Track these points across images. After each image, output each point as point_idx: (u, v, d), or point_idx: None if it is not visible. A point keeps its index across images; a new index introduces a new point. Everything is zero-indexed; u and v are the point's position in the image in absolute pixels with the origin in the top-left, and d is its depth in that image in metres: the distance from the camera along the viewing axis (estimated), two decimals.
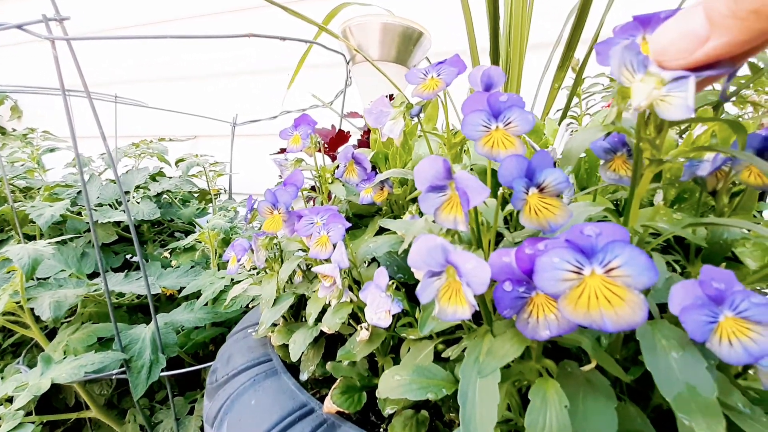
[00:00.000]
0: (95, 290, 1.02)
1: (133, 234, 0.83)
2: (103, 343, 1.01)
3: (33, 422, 1.05)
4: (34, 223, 1.15)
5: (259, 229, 0.84)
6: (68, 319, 1.12)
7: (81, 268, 1.16)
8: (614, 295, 0.23)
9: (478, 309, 0.28)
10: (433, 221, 0.37)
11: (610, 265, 0.23)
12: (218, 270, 1.16)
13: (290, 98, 1.42)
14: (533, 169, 0.30)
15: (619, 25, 0.36)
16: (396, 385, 0.40)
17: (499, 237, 0.42)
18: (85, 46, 2.09)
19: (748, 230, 0.45)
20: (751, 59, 0.62)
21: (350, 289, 0.51)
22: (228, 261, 0.67)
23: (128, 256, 1.42)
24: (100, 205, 1.36)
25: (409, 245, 0.47)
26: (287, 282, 0.70)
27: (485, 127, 0.35)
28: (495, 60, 0.78)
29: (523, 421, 0.36)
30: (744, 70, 0.65)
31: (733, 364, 0.28)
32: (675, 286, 0.30)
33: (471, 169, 0.60)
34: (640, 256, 0.23)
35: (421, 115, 0.65)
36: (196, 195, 1.64)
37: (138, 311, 1.31)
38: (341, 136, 0.82)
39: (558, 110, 0.88)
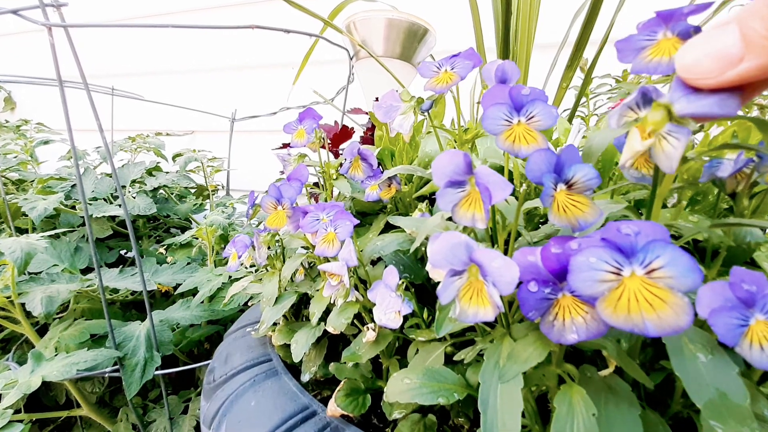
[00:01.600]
0: (88, 286, 0.99)
1: (129, 228, 0.81)
2: (96, 340, 0.98)
3: (21, 420, 1.02)
4: (27, 216, 1.12)
5: (258, 225, 0.82)
6: (60, 315, 1.09)
7: (74, 263, 1.13)
8: (656, 298, 0.22)
9: (502, 309, 0.26)
10: (449, 218, 0.35)
11: (651, 265, 0.22)
12: (215, 267, 1.14)
13: (291, 94, 1.40)
14: (562, 164, 0.28)
15: (642, 21, 0.35)
16: (405, 389, 0.38)
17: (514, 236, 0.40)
18: (82, 36, 2.05)
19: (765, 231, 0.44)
20: None
21: (356, 288, 0.50)
22: (228, 258, 0.65)
23: (123, 252, 1.39)
24: (95, 199, 1.34)
25: (421, 244, 0.45)
26: (289, 280, 0.68)
27: (507, 121, 0.34)
28: (504, 57, 0.76)
29: (538, 428, 0.35)
30: None
31: (764, 369, 0.27)
32: (703, 288, 0.28)
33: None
34: (683, 257, 0.22)
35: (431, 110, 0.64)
36: (193, 191, 1.62)
37: (132, 308, 1.29)
38: (345, 133, 0.80)
39: (565, 110, 0.87)
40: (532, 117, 0.34)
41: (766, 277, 0.31)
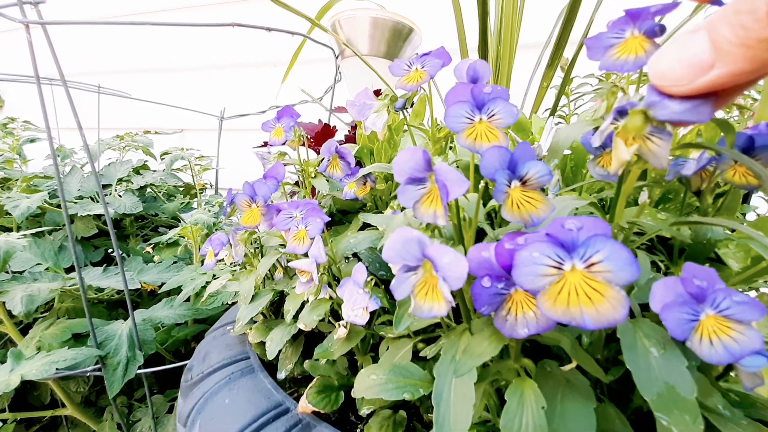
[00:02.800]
0: (72, 285, 0.99)
1: (110, 227, 0.81)
2: (79, 340, 0.98)
3: (6, 420, 1.02)
4: (11, 215, 1.11)
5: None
6: (44, 315, 1.08)
7: (58, 262, 1.12)
8: (595, 292, 0.22)
9: (455, 305, 0.26)
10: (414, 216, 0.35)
11: (591, 259, 0.22)
12: (201, 265, 1.13)
13: (280, 94, 1.40)
14: (516, 161, 0.29)
15: (612, 19, 0.35)
16: (372, 385, 0.38)
17: (483, 234, 0.41)
18: (70, 34, 2.04)
19: (732, 230, 0.45)
20: None
21: (329, 285, 0.50)
22: (209, 256, 0.65)
23: (109, 251, 1.38)
24: (81, 197, 1.33)
25: None
26: (268, 278, 0.68)
27: (469, 119, 0.34)
28: (483, 57, 0.77)
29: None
30: None
31: (713, 363, 0.27)
32: (656, 283, 0.29)
33: (457, 166, 0.59)
34: (622, 251, 0.22)
35: (409, 110, 0.64)
36: (181, 189, 1.61)
37: (119, 307, 1.28)
38: (327, 131, 0.80)
39: (546, 109, 0.88)
40: (493, 115, 0.34)
41: (724, 276, 0.32)
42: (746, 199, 0.64)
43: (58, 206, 1.28)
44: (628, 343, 0.29)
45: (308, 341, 0.62)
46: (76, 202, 1.26)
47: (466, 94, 0.34)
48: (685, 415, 0.25)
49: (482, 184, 0.32)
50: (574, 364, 0.35)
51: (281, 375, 0.57)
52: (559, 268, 0.23)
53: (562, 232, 0.23)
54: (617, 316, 0.21)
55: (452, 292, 0.27)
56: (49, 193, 1.25)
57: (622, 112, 0.25)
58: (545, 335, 0.31)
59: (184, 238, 1.20)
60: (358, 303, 0.40)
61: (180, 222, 1.46)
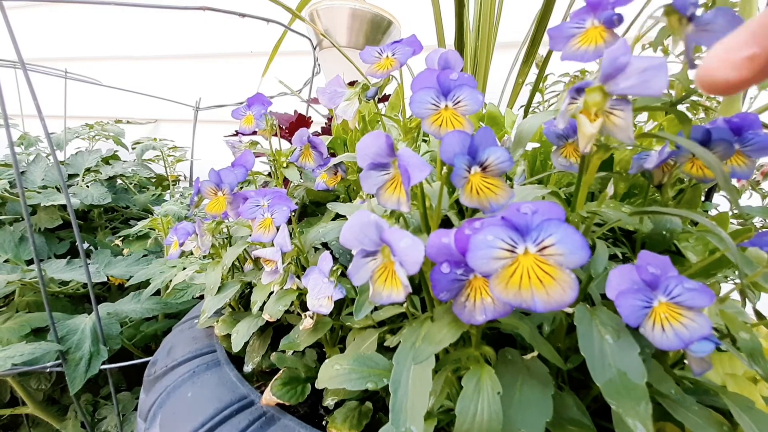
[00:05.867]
0: (32, 277, 0.94)
1: (72, 218, 0.77)
2: (39, 334, 0.93)
3: None
4: None
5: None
6: (2, 309, 1.03)
7: (19, 254, 1.07)
8: (546, 275, 0.22)
9: (411, 291, 0.26)
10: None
11: (543, 243, 0.22)
12: None
13: (257, 85, 1.37)
14: (476, 146, 0.28)
15: (575, 10, 0.35)
16: (335, 375, 0.38)
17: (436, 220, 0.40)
18: (37, 18, 1.95)
19: (695, 224, 0.46)
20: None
21: (297, 276, 0.49)
22: (181, 246, 0.62)
23: (75, 243, 1.33)
24: (45, 187, 1.27)
25: None
26: (237, 269, 0.66)
27: (434, 105, 0.34)
28: (460, 52, 0.77)
29: None
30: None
31: (665, 349, 0.28)
32: (612, 271, 0.29)
33: (431, 159, 0.59)
34: (574, 235, 0.22)
35: (385, 103, 0.63)
36: (153, 181, 1.56)
37: (85, 302, 1.23)
38: (301, 121, 0.79)
39: (522, 106, 0.89)
40: (459, 102, 0.34)
41: (683, 268, 0.33)
42: (708, 197, 0.67)
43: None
44: (584, 330, 0.29)
45: (277, 334, 0.61)
46: (39, 192, 1.21)
47: (432, 80, 0.34)
48: (634, 400, 0.25)
49: (445, 170, 0.31)
50: (536, 353, 0.35)
51: (248, 368, 0.55)
52: (513, 251, 0.23)
53: (517, 215, 0.23)
54: (566, 299, 0.21)
55: (416, 280, 0.27)
56: (9, 182, 1.20)
57: (579, 90, 0.25)
58: (504, 322, 0.31)
59: (154, 230, 1.16)
60: (322, 292, 0.39)
61: (152, 214, 1.42)
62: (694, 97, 0.70)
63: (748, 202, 0.85)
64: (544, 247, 0.22)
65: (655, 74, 0.22)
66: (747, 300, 0.44)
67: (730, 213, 0.64)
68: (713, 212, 0.67)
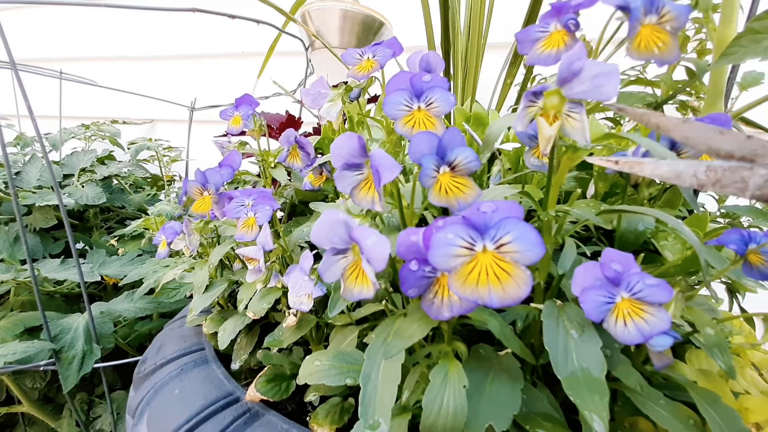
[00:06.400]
0: (26, 277, 0.95)
1: (64, 218, 0.78)
2: (33, 333, 0.94)
3: None
4: None
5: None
6: None
7: (13, 253, 1.08)
8: (503, 272, 0.23)
9: (379, 287, 0.27)
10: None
11: (500, 240, 0.23)
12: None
13: (253, 86, 1.37)
14: (444, 146, 0.29)
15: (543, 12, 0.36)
16: (315, 371, 0.39)
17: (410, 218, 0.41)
18: (33, 19, 1.95)
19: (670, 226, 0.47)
20: (687, 64, 0.64)
21: (281, 274, 0.50)
22: (170, 245, 0.63)
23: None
24: (40, 187, 1.28)
25: None
26: (227, 268, 0.67)
27: (407, 106, 0.35)
28: (446, 53, 0.77)
29: None
30: (681, 74, 0.68)
31: (626, 343, 0.29)
32: (578, 268, 0.30)
33: None
34: (530, 233, 0.23)
35: (375, 104, 0.64)
36: (149, 181, 1.57)
37: (79, 301, 1.24)
38: (291, 122, 0.80)
39: (510, 107, 0.90)
40: (431, 103, 0.35)
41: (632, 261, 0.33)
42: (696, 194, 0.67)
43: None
44: (550, 326, 0.30)
45: (265, 331, 0.62)
46: (34, 192, 1.22)
47: (406, 82, 0.35)
48: (594, 394, 0.26)
49: (416, 170, 0.32)
50: (510, 350, 0.36)
51: (236, 365, 0.56)
52: (471, 249, 0.23)
53: (477, 214, 0.24)
54: (521, 294, 0.22)
55: (383, 277, 0.28)
56: (5, 183, 1.21)
57: (536, 93, 0.26)
58: (474, 318, 0.32)
59: (148, 230, 1.17)
60: (302, 290, 0.40)
61: (147, 214, 1.43)
62: (683, 97, 0.71)
63: (736, 201, 0.86)
64: (502, 245, 0.23)
65: (606, 80, 0.23)
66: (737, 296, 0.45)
67: (718, 213, 0.65)
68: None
